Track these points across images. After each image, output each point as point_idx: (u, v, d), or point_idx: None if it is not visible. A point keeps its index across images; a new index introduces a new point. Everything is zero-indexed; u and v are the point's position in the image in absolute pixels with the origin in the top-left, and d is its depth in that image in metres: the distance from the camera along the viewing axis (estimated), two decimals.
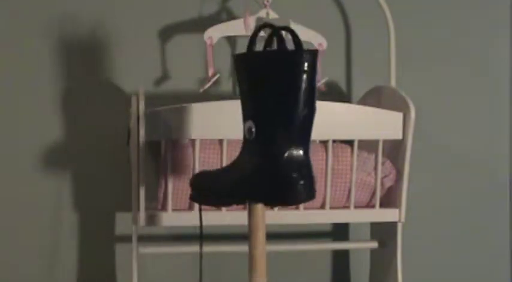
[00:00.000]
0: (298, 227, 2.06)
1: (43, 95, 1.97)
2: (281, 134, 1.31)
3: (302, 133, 1.33)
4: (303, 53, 1.29)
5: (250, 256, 1.39)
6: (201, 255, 1.55)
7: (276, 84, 1.30)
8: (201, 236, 1.53)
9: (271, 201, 1.35)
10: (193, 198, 1.45)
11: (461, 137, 2.21)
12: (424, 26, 2.17)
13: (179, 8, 2.02)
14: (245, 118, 1.35)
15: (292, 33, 1.33)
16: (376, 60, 2.06)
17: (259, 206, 1.37)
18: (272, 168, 1.32)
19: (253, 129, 1.33)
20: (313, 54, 1.30)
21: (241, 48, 2.05)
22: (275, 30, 1.33)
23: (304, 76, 1.30)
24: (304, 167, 1.32)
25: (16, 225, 1.97)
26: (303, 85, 1.30)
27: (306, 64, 1.29)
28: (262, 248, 1.38)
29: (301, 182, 1.31)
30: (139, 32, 2.01)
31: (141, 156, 1.66)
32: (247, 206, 1.38)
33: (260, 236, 1.38)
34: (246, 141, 1.36)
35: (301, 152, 1.32)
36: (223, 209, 1.72)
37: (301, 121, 1.32)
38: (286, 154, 1.31)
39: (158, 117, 1.66)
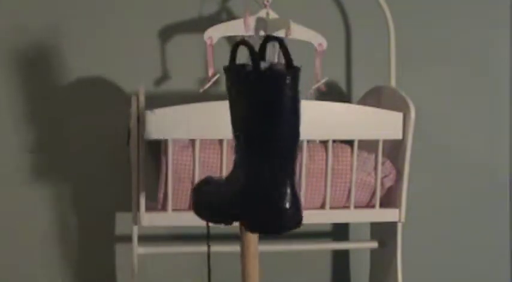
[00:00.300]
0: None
1: (43, 95, 1.97)
2: (264, 155, 1.23)
3: (286, 158, 1.23)
4: (285, 74, 1.19)
5: (243, 271, 1.34)
6: (208, 256, 1.52)
7: (259, 101, 1.22)
8: (208, 245, 1.49)
9: (255, 229, 1.27)
10: (195, 212, 1.39)
11: (461, 137, 2.21)
12: (424, 26, 2.17)
13: (179, 8, 2.02)
14: (233, 127, 1.29)
15: (283, 46, 1.23)
16: (376, 60, 2.06)
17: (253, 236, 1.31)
18: (255, 192, 1.24)
19: (238, 141, 1.27)
20: (295, 72, 1.21)
21: (241, 48, 2.05)
22: (278, 41, 1.24)
23: (287, 95, 1.20)
24: (291, 194, 1.23)
25: (16, 225, 1.97)
26: (286, 105, 1.21)
27: (288, 83, 1.20)
28: (255, 262, 1.33)
29: (288, 209, 1.22)
30: (140, 32, 2.01)
31: (141, 156, 1.66)
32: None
33: (252, 250, 1.33)
34: (235, 151, 1.29)
35: (286, 180, 1.23)
36: None
37: (285, 144, 1.23)
38: (268, 178, 1.22)
39: (158, 117, 1.66)
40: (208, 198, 1.35)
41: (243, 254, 1.34)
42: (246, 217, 1.27)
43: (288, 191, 1.23)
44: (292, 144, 1.24)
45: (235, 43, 1.29)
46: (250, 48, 1.24)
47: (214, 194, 1.34)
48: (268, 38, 1.26)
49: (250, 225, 1.26)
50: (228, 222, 1.32)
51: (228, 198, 1.29)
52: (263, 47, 1.27)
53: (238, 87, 1.25)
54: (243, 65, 1.27)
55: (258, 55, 1.24)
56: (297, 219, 1.24)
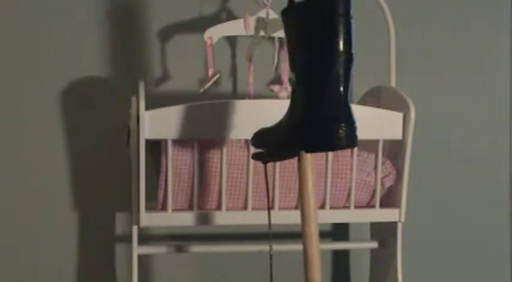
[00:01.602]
0: (298, 227, 2.05)
1: (43, 95, 1.97)
2: (319, 83, 1.33)
3: (340, 81, 1.33)
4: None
5: (302, 205, 1.42)
6: (270, 256, 1.55)
7: (310, 32, 1.32)
8: (270, 236, 1.55)
9: (314, 149, 1.37)
10: (256, 156, 1.48)
11: (461, 137, 2.21)
12: (424, 26, 2.17)
13: (179, 8, 2.03)
14: (290, 69, 1.39)
15: None
16: (376, 60, 2.06)
17: (307, 156, 1.40)
18: (312, 117, 1.34)
19: (294, 79, 1.37)
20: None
21: (241, 48, 2.05)
22: None
23: (340, 21, 1.31)
24: (345, 114, 1.33)
25: (16, 225, 1.97)
26: (339, 30, 1.31)
27: (340, 8, 1.31)
28: (314, 199, 1.42)
29: (341, 129, 1.32)
30: (140, 32, 2.01)
31: (141, 156, 1.66)
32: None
33: (310, 187, 1.41)
34: (291, 93, 1.39)
35: (341, 99, 1.33)
36: (223, 209, 1.72)
37: (338, 68, 1.32)
38: (325, 103, 1.33)
39: (158, 117, 1.66)
40: (267, 137, 1.45)
41: (301, 193, 1.42)
42: (304, 142, 1.36)
43: (344, 110, 1.33)
44: (347, 67, 1.33)
45: None
46: None
47: (273, 131, 1.44)
48: None
49: (309, 146, 1.36)
50: (287, 154, 1.44)
51: (286, 132, 1.39)
52: None
53: (297, 22, 1.36)
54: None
55: None
56: (352, 139, 1.34)
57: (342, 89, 1.33)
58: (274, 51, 1.96)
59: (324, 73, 1.33)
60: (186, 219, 1.72)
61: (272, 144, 1.44)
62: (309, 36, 1.34)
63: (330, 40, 1.32)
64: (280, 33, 1.88)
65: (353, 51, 1.34)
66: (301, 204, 1.42)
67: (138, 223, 1.70)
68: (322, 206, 1.78)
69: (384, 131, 1.77)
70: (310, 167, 1.40)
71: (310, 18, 1.33)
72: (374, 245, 1.93)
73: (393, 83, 1.97)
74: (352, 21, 1.33)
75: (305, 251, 1.41)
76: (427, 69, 2.18)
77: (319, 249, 1.41)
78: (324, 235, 2.13)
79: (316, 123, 1.34)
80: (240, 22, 1.87)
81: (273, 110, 1.68)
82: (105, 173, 1.99)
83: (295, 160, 1.73)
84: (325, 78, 1.33)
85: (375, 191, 1.80)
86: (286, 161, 1.73)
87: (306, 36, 1.35)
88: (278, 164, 1.70)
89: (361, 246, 2.04)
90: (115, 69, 1.99)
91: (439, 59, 2.19)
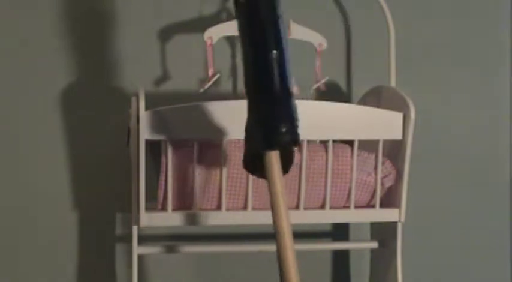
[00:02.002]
0: (298, 227, 2.05)
1: (43, 95, 1.97)
2: (255, 82, 1.42)
3: (275, 79, 1.40)
4: None
5: (271, 195, 1.43)
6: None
7: (242, 31, 1.43)
8: None
9: (260, 148, 1.42)
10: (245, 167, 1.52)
11: (461, 137, 2.21)
12: (424, 26, 2.17)
13: (179, 8, 2.02)
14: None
15: None
16: (376, 60, 2.06)
17: (270, 156, 1.42)
18: (256, 119, 1.43)
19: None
20: None
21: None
22: None
23: (267, 21, 1.40)
24: (285, 113, 1.40)
25: (16, 225, 1.97)
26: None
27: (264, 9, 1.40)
28: (283, 198, 1.43)
29: (283, 128, 1.39)
30: (139, 32, 2.01)
31: (141, 156, 1.66)
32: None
33: (278, 187, 1.42)
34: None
35: (278, 97, 1.40)
36: (223, 209, 1.72)
37: (271, 66, 1.40)
38: (264, 104, 1.41)
39: (158, 117, 1.66)
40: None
41: (269, 188, 1.44)
42: (256, 144, 1.43)
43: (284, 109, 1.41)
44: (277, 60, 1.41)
45: None
46: None
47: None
48: None
49: (258, 147, 1.42)
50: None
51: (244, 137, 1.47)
52: None
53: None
54: None
55: None
56: (294, 136, 1.41)
57: (278, 87, 1.40)
58: None
59: (256, 72, 1.41)
60: (186, 220, 1.72)
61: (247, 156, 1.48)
62: (242, 35, 1.42)
63: (258, 38, 1.39)
64: None
65: (284, 47, 1.40)
66: (271, 203, 1.43)
67: (138, 223, 1.70)
68: (322, 206, 1.78)
69: (384, 131, 1.77)
70: (275, 166, 1.42)
71: (241, 18, 1.42)
72: (374, 245, 1.93)
73: (393, 83, 1.97)
74: (281, 21, 1.39)
75: (278, 250, 1.41)
76: (427, 69, 2.18)
77: (293, 247, 1.41)
78: (324, 235, 2.13)
79: (260, 123, 1.42)
80: None
81: None
82: (105, 173, 1.99)
83: (295, 160, 1.73)
84: (260, 77, 1.40)
85: (375, 191, 1.80)
86: (309, 161, 1.73)
87: (240, 35, 1.43)
88: None
89: (361, 246, 2.04)
90: (115, 69, 1.99)
91: (439, 59, 2.19)
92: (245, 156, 1.48)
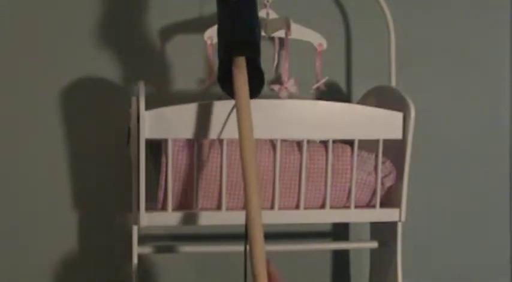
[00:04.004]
0: (298, 227, 2.06)
1: (43, 95, 1.97)
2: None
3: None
4: None
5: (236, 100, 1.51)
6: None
7: None
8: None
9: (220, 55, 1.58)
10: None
11: (461, 137, 2.21)
12: (424, 26, 2.17)
13: (179, 8, 2.03)
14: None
15: None
16: (376, 60, 2.06)
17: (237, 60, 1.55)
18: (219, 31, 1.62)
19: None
20: None
21: None
22: None
23: None
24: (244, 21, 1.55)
25: (16, 225, 1.97)
26: None
27: None
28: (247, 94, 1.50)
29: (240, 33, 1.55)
30: (139, 32, 2.01)
31: (141, 156, 1.66)
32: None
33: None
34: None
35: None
36: (223, 209, 1.72)
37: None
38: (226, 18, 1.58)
39: (158, 117, 1.66)
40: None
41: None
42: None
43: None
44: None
45: None
46: None
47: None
48: None
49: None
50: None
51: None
52: None
53: None
54: None
55: None
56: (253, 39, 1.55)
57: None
58: (274, 51, 1.97)
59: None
60: (186, 219, 1.72)
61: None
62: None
63: None
64: (280, 33, 1.88)
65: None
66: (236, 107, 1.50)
67: (138, 223, 1.70)
68: (322, 206, 1.78)
69: (384, 131, 1.77)
70: (240, 72, 1.56)
71: None
72: (374, 245, 1.93)
73: (393, 83, 1.98)
74: None
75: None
76: (427, 69, 2.18)
77: (253, 149, 1.44)
78: (324, 235, 2.13)
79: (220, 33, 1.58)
80: None
81: (273, 110, 1.68)
82: (105, 173, 1.99)
83: (295, 160, 1.74)
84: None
85: (375, 191, 1.80)
86: (286, 161, 1.73)
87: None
88: (278, 164, 1.70)
89: (361, 246, 2.04)
90: (115, 69, 1.99)
91: (439, 59, 2.19)
92: (218, 73, 1.59)
